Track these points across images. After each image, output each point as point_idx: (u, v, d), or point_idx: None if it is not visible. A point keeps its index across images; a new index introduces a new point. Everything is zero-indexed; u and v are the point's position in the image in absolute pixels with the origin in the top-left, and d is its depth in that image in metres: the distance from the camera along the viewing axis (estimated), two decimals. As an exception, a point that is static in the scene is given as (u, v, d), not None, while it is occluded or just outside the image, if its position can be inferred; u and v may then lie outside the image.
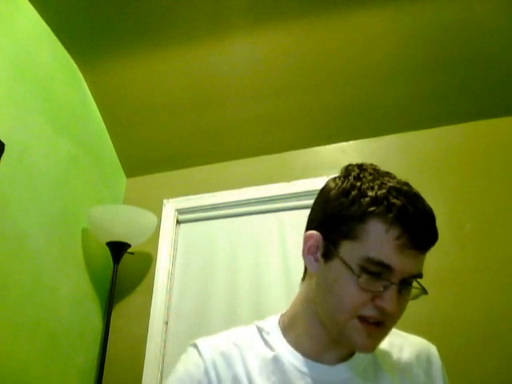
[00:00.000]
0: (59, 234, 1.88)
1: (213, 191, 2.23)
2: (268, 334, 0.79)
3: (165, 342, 2.00)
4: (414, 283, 0.70)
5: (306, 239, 0.75)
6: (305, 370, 0.73)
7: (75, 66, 2.11)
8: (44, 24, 1.93)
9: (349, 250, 0.68)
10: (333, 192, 0.73)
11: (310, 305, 0.76)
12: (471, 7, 1.74)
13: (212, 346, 0.76)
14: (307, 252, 0.75)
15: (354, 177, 0.73)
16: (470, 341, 1.63)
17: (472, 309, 1.67)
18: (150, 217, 2.08)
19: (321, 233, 0.73)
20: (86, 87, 2.18)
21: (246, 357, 0.74)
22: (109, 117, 2.27)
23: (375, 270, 0.66)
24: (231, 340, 0.78)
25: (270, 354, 0.75)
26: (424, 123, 2.04)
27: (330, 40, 1.90)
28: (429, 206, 0.72)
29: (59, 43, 2.02)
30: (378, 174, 0.74)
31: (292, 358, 0.74)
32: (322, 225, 0.74)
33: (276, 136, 2.18)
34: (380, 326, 0.68)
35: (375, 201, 0.67)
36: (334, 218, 0.71)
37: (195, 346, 0.77)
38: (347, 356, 0.75)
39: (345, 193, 0.71)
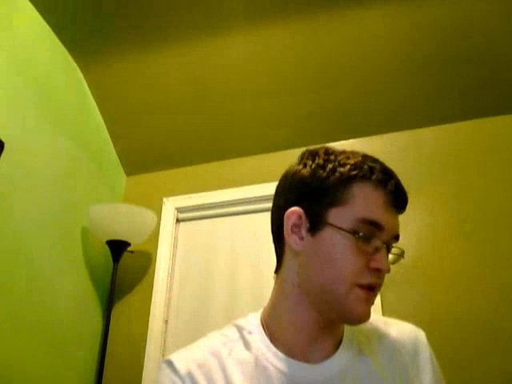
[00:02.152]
0: (59, 233, 1.88)
1: (213, 189, 2.24)
2: (250, 333, 0.76)
3: (165, 341, 2.00)
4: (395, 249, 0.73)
5: (288, 217, 0.73)
6: (288, 371, 0.70)
7: (75, 65, 2.11)
8: (44, 24, 1.93)
9: (339, 216, 0.69)
10: (305, 171, 0.74)
11: (294, 292, 0.73)
12: (472, 6, 1.74)
13: (187, 359, 0.72)
14: (291, 231, 0.73)
15: (325, 154, 0.75)
16: (471, 340, 1.63)
17: (473, 308, 1.67)
18: (150, 215, 2.08)
19: (302, 209, 0.73)
20: (86, 87, 2.18)
21: (226, 366, 0.70)
22: (108, 116, 2.27)
23: (368, 231, 0.68)
24: (208, 349, 0.74)
25: (251, 359, 0.71)
26: (424, 121, 2.04)
27: (331, 39, 1.90)
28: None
29: (59, 43, 2.02)
30: (342, 150, 0.77)
31: (275, 360, 0.71)
32: (302, 201, 0.73)
33: (276, 134, 2.18)
34: (373, 291, 0.70)
35: (356, 166, 0.71)
36: (315, 191, 0.72)
37: (169, 362, 0.72)
38: (333, 349, 0.73)
39: (321, 167, 0.73)
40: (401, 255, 0.74)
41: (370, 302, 0.69)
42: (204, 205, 2.24)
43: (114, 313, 2.02)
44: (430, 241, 1.84)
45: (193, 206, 2.27)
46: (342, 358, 0.72)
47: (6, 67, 1.69)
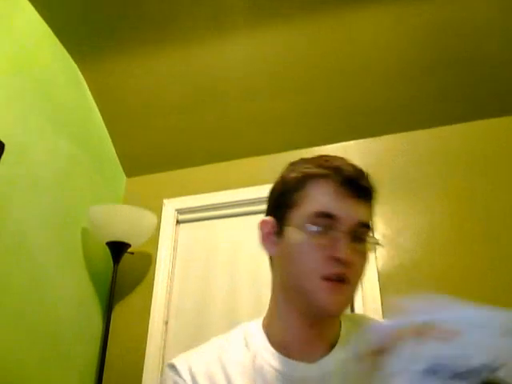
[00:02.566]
0: (59, 234, 1.88)
1: (213, 191, 2.23)
2: (251, 336, 0.78)
3: (165, 342, 2.00)
4: (371, 239, 0.74)
5: (261, 226, 0.81)
6: (283, 369, 0.72)
7: (75, 65, 2.11)
8: (44, 24, 1.93)
9: (297, 216, 0.74)
10: (276, 182, 0.82)
11: (281, 294, 0.77)
12: (471, 7, 1.74)
13: (189, 362, 0.74)
14: (266, 239, 0.80)
15: (291, 164, 0.81)
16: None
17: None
18: (150, 217, 2.08)
19: (273, 218, 0.79)
20: (86, 87, 2.18)
21: (227, 368, 0.73)
22: (109, 116, 2.27)
23: (323, 223, 0.71)
24: (210, 352, 0.76)
25: (249, 359, 0.74)
26: (424, 123, 2.04)
27: (331, 40, 1.91)
28: (360, 168, 0.78)
29: (59, 43, 2.02)
30: (311, 157, 0.81)
31: (271, 359, 0.73)
32: (272, 210, 0.80)
33: (277, 136, 2.18)
34: (343, 282, 0.69)
35: (309, 167, 0.76)
36: (279, 198, 0.79)
37: (171, 365, 0.75)
38: (329, 349, 0.75)
39: (285, 176, 0.79)
40: (376, 243, 0.76)
41: (339, 292, 0.69)
42: (204, 206, 2.24)
43: (114, 314, 2.01)
44: (430, 241, 1.84)
45: (193, 208, 2.27)
46: (335, 358, 0.74)
47: (6, 67, 1.69)
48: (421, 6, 1.77)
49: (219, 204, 2.21)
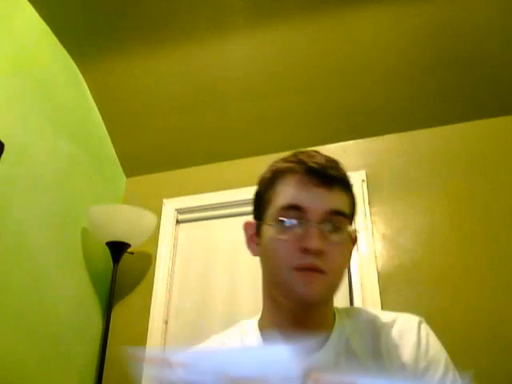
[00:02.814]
0: (59, 234, 1.88)
1: (213, 191, 2.23)
2: (246, 335, 0.79)
3: (165, 342, 2.00)
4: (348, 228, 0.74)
5: (245, 229, 0.83)
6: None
7: (75, 65, 2.11)
8: (44, 24, 1.93)
9: (269, 213, 0.76)
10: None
11: (267, 292, 0.79)
12: (471, 7, 1.74)
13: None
14: (250, 241, 0.82)
15: (269, 166, 0.83)
16: (471, 340, 1.63)
17: (473, 308, 1.67)
18: (150, 216, 2.08)
19: (254, 219, 0.81)
20: (86, 87, 2.18)
21: None
22: (108, 116, 2.27)
23: (292, 216, 0.72)
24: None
25: None
26: (424, 123, 2.04)
27: (331, 40, 1.91)
28: (332, 157, 0.78)
29: (59, 43, 2.02)
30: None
31: None
32: (253, 212, 0.82)
33: (276, 136, 2.18)
34: (315, 272, 0.69)
35: (278, 164, 0.79)
36: (256, 199, 0.82)
37: None
38: (321, 344, 0.74)
39: (259, 177, 0.82)
40: (353, 231, 0.76)
41: (312, 281, 0.69)
42: (204, 206, 2.24)
43: (114, 314, 2.01)
44: (429, 241, 1.84)
45: (193, 208, 2.27)
46: (325, 354, 0.73)
47: (6, 67, 1.69)
48: (421, 6, 1.77)
49: (219, 204, 2.21)
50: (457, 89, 1.94)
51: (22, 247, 1.66)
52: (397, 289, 1.77)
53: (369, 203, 1.97)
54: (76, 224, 2.01)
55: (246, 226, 0.83)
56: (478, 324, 1.64)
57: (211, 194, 2.23)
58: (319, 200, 0.72)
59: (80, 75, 2.15)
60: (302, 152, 0.79)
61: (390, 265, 1.85)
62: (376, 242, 1.90)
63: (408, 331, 0.76)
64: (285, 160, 0.79)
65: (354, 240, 0.78)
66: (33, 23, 1.88)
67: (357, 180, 1.98)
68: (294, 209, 0.72)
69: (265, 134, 2.19)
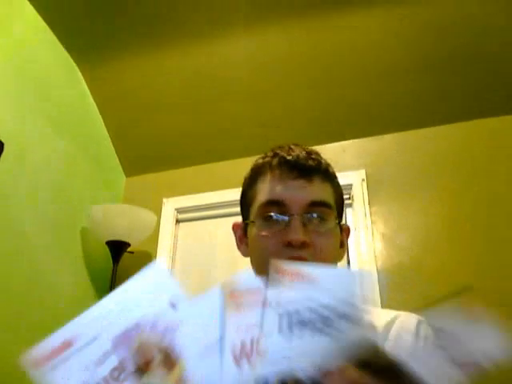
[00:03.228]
0: (59, 233, 1.88)
1: (213, 190, 2.23)
2: None
3: (165, 341, 2.00)
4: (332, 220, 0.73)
5: (234, 231, 0.83)
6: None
7: (74, 65, 2.11)
8: (44, 24, 1.93)
9: (252, 212, 0.76)
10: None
11: None
12: (471, 6, 1.74)
13: None
14: (239, 242, 0.81)
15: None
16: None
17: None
18: (150, 216, 2.08)
19: (242, 220, 0.81)
20: (86, 87, 2.18)
21: None
22: (108, 116, 2.27)
23: (271, 211, 0.72)
24: None
25: None
26: (424, 122, 2.04)
27: (330, 39, 1.91)
28: (311, 149, 0.78)
29: (59, 43, 2.01)
30: None
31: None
32: (241, 213, 0.82)
33: (276, 135, 2.18)
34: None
35: (257, 163, 0.79)
36: (241, 199, 0.82)
37: None
38: None
39: (245, 179, 0.83)
40: (336, 221, 0.74)
41: None
42: (204, 205, 2.24)
43: (113, 313, 2.01)
44: (429, 241, 1.84)
45: (193, 207, 2.27)
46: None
47: (6, 67, 1.69)
48: (421, 5, 1.77)
49: (219, 203, 2.21)
50: (457, 88, 1.94)
51: (21, 247, 1.66)
52: (397, 289, 1.77)
53: (369, 203, 1.97)
54: (76, 223, 2.00)
55: (235, 227, 0.83)
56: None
57: (211, 194, 2.23)
58: (298, 192, 0.72)
59: (80, 75, 2.14)
60: (281, 147, 0.78)
61: (388, 263, 1.85)
62: (376, 242, 1.90)
63: (407, 330, 0.76)
64: (263, 157, 0.79)
65: (345, 231, 0.77)
66: (33, 23, 1.88)
67: (357, 179, 1.98)
68: (274, 204, 0.72)
69: (264, 134, 2.19)
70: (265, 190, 0.74)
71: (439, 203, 1.90)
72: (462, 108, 1.98)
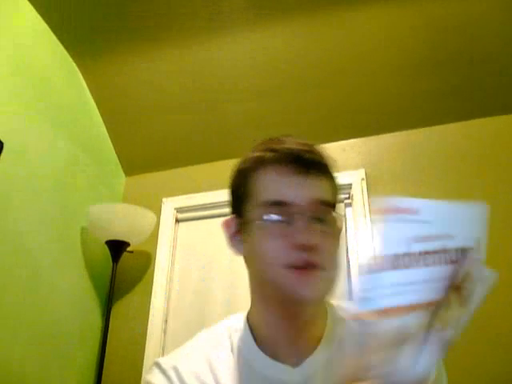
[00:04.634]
0: (58, 233, 1.88)
1: (212, 190, 2.23)
2: (235, 332, 0.76)
3: (164, 341, 2.00)
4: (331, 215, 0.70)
5: (224, 228, 0.77)
6: (268, 373, 0.70)
7: (74, 65, 2.11)
8: (44, 24, 1.93)
9: (251, 209, 0.71)
10: (230, 178, 0.79)
11: (256, 291, 0.75)
12: (471, 6, 1.74)
13: (176, 362, 0.73)
14: (232, 240, 0.76)
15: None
16: (470, 339, 1.63)
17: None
18: (150, 215, 2.08)
19: (234, 216, 0.76)
20: (85, 86, 2.18)
21: (216, 369, 0.71)
22: (108, 116, 2.27)
23: (276, 211, 0.67)
24: (199, 351, 0.74)
25: (235, 361, 0.72)
26: (424, 121, 2.04)
27: (330, 39, 1.91)
28: (310, 142, 0.74)
29: (59, 43, 2.02)
30: None
31: (256, 361, 0.71)
32: (232, 208, 0.77)
33: (276, 134, 2.18)
34: (314, 268, 0.65)
35: (253, 158, 0.74)
36: (233, 195, 0.77)
37: (157, 364, 0.73)
38: (315, 345, 0.72)
39: (234, 169, 0.78)
40: (339, 221, 0.72)
41: (308, 280, 0.65)
42: (203, 205, 2.24)
43: (113, 313, 2.01)
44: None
45: (192, 206, 2.27)
46: (319, 358, 0.71)
47: (6, 67, 1.69)
48: (421, 6, 1.77)
49: (218, 203, 2.20)
50: (457, 87, 1.94)
51: (21, 246, 1.66)
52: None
53: (368, 202, 1.97)
54: (75, 223, 2.01)
55: (226, 224, 0.77)
56: (477, 323, 1.64)
57: (211, 193, 2.23)
58: (302, 191, 0.68)
59: (79, 74, 2.14)
60: (273, 139, 0.76)
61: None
62: (375, 241, 1.89)
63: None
64: (256, 150, 0.75)
65: (340, 228, 0.74)
66: (33, 23, 1.88)
67: (356, 179, 1.98)
68: (276, 204, 0.68)
69: (264, 133, 2.17)
70: (267, 188, 0.69)
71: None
72: (462, 108, 1.98)
